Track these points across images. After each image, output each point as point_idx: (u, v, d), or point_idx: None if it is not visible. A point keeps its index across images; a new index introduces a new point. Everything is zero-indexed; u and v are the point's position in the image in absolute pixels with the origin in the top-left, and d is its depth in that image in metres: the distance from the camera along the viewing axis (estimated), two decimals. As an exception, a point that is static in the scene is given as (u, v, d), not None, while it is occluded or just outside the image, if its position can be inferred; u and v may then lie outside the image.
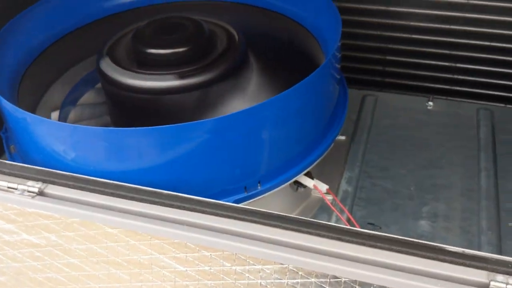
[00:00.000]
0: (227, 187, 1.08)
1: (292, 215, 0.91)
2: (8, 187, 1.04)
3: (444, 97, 1.73)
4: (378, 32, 1.84)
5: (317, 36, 1.37)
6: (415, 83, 1.87)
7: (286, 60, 1.40)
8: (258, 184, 1.11)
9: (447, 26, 1.72)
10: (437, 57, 1.80)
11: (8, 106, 1.08)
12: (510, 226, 1.26)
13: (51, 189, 1.04)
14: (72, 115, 1.43)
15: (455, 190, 1.36)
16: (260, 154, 1.10)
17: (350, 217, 1.24)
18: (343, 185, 1.38)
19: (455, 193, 1.35)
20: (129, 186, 0.99)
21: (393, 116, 1.62)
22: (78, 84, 1.46)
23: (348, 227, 0.89)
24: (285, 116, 1.09)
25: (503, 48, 1.68)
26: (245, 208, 0.93)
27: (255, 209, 0.92)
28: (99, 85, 1.44)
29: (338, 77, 1.29)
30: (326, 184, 1.32)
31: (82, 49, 1.48)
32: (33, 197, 1.01)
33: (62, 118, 1.39)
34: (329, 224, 0.89)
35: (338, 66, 1.27)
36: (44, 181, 1.04)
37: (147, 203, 0.97)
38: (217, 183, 1.07)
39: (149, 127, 0.98)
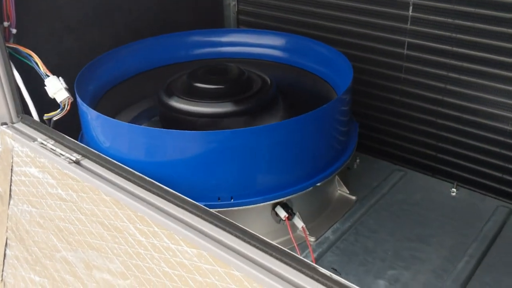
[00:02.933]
0: (204, 194, 1.34)
1: (226, 218, 1.13)
2: (60, 153, 1.44)
3: (471, 188, 1.75)
4: (433, 119, 1.95)
5: (334, 87, 1.65)
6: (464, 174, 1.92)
7: (309, 104, 1.63)
8: (231, 198, 1.34)
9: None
10: (488, 154, 1.84)
11: (79, 101, 1.50)
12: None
13: (85, 161, 1.41)
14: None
15: (429, 266, 1.41)
16: (237, 172, 1.34)
17: (311, 251, 1.39)
18: (328, 233, 1.52)
19: (427, 268, 1.40)
20: (127, 169, 1.31)
21: (410, 192, 1.71)
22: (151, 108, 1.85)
23: (302, 258, 0.99)
24: (264, 148, 1.33)
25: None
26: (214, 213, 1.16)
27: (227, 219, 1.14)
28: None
29: (334, 133, 1.49)
30: (314, 228, 1.50)
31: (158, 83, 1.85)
32: (70, 163, 1.40)
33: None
34: (286, 250, 1.02)
35: (334, 122, 1.48)
36: (83, 155, 1.43)
37: (134, 183, 1.28)
38: (198, 187, 1.34)
39: (154, 128, 1.31)
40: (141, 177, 1.28)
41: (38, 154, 1.48)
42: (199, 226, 1.14)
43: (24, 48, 1.57)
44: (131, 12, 2.01)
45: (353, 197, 1.66)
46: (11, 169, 1.59)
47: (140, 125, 1.78)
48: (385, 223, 1.57)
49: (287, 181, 1.39)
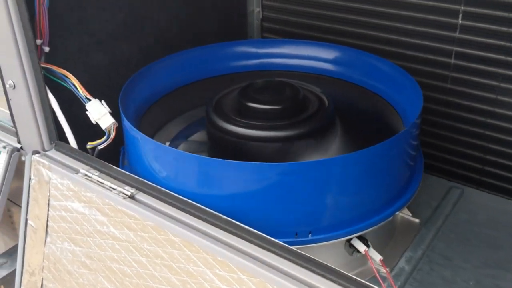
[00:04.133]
0: (280, 229, 1.21)
1: (323, 263, 1.01)
2: (110, 186, 1.29)
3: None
4: (482, 131, 1.87)
5: (399, 111, 1.49)
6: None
7: (370, 130, 1.52)
8: (309, 234, 1.22)
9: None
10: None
11: (127, 125, 1.36)
12: None
13: (140, 195, 1.27)
14: (180, 147, 1.69)
15: (517, 296, 1.32)
16: (318, 207, 1.22)
17: (394, 285, 1.28)
18: (401, 263, 1.41)
19: (515, 299, 1.31)
20: (196, 206, 1.18)
21: (473, 212, 1.62)
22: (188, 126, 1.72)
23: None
24: (347, 178, 1.21)
25: None
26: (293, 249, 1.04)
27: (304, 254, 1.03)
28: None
29: (412, 153, 1.38)
30: (386, 258, 1.38)
31: (194, 99, 1.74)
32: (124, 198, 1.25)
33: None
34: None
35: (413, 142, 1.36)
36: (137, 188, 1.28)
37: (208, 223, 1.15)
38: (274, 222, 1.21)
39: (229, 160, 1.17)
40: (215, 214, 1.15)
41: (82, 187, 1.33)
42: (295, 274, 1.02)
43: (59, 69, 1.41)
44: (159, 23, 1.86)
45: (417, 220, 1.56)
46: (48, 203, 1.43)
47: (178, 146, 1.65)
48: (457, 247, 1.47)
49: (366, 212, 1.27)
